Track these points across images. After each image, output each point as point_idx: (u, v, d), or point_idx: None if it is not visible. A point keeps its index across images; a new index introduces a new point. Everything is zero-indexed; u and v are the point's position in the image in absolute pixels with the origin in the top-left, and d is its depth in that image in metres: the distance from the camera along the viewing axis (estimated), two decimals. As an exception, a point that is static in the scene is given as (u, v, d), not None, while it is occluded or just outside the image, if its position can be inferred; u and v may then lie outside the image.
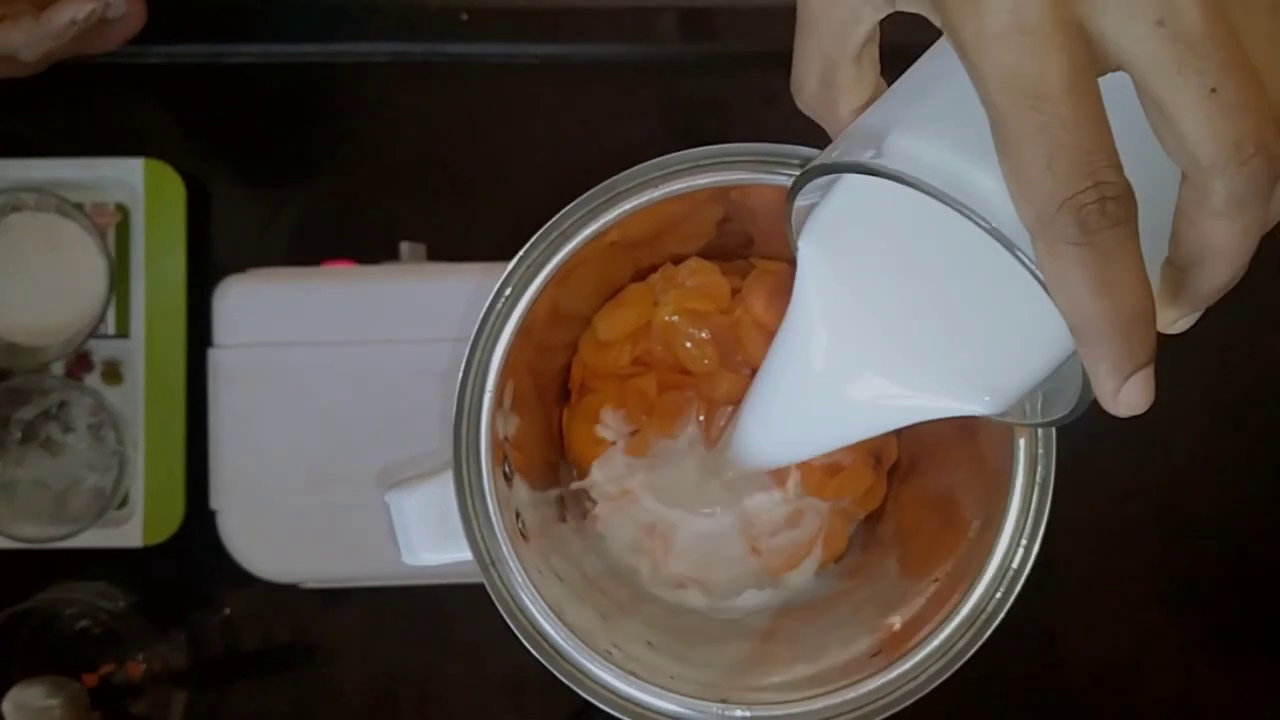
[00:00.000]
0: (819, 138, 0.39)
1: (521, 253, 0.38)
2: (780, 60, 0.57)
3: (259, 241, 0.56)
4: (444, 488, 0.37)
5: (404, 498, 0.39)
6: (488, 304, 0.38)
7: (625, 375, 0.45)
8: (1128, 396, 0.26)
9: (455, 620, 0.55)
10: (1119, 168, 0.23)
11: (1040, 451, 0.36)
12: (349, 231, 0.56)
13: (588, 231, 0.38)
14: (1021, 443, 0.36)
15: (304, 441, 0.50)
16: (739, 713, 0.36)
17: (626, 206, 0.38)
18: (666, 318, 0.43)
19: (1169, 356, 0.56)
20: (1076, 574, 0.55)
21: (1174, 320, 0.29)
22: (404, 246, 0.54)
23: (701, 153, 0.38)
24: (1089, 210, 0.23)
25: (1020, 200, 0.24)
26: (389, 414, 0.49)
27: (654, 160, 0.38)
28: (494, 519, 0.37)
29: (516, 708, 0.55)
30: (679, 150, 0.38)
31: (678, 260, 0.45)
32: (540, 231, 0.38)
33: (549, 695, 0.55)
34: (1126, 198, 0.23)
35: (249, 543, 0.50)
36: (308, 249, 0.55)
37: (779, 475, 0.44)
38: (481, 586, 0.37)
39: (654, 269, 0.45)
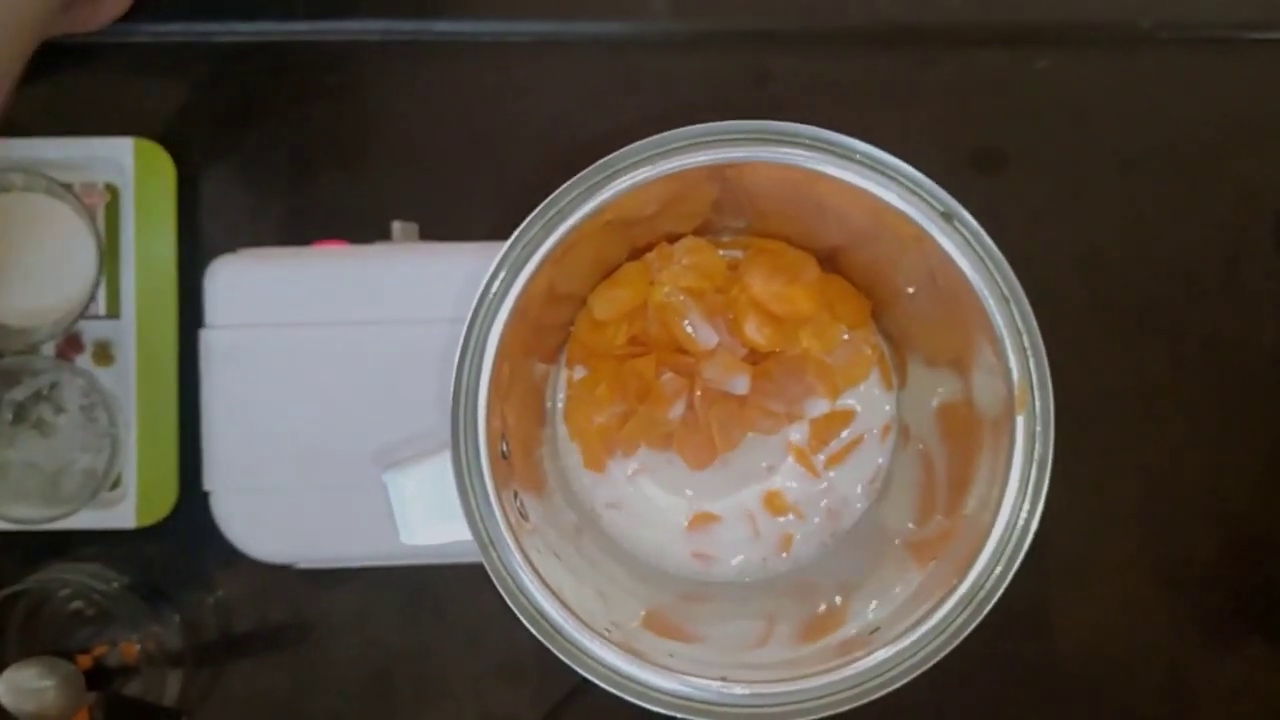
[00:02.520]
0: (813, 117, 0.39)
1: (517, 232, 0.38)
2: (774, 38, 0.57)
3: (250, 221, 0.56)
4: (442, 467, 0.37)
5: (402, 478, 0.39)
6: (484, 284, 0.38)
7: (622, 356, 0.44)
8: None
9: (450, 600, 0.55)
10: None
11: (1039, 429, 0.36)
12: (340, 211, 0.56)
13: (584, 210, 0.38)
14: (1020, 420, 0.36)
15: (298, 422, 0.49)
16: (739, 690, 0.36)
17: (623, 184, 0.37)
18: (663, 297, 0.43)
19: (1164, 336, 0.56)
20: (1068, 553, 0.56)
21: None
22: (396, 226, 0.54)
23: (699, 130, 0.38)
24: None
25: None
26: (383, 394, 0.49)
27: (651, 138, 0.38)
28: (492, 498, 0.37)
29: (512, 687, 0.55)
30: (672, 128, 0.38)
31: (674, 239, 0.45)
32: (536, 211, 0.38)
33: (545, 674, 0.55)
34: None
35: (243, 524, 0.50)
36: (299, 229, 0.55)
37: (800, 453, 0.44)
38: (476, 566, 0.37)
39: (650, 248, 0.45)
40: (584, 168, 0.38)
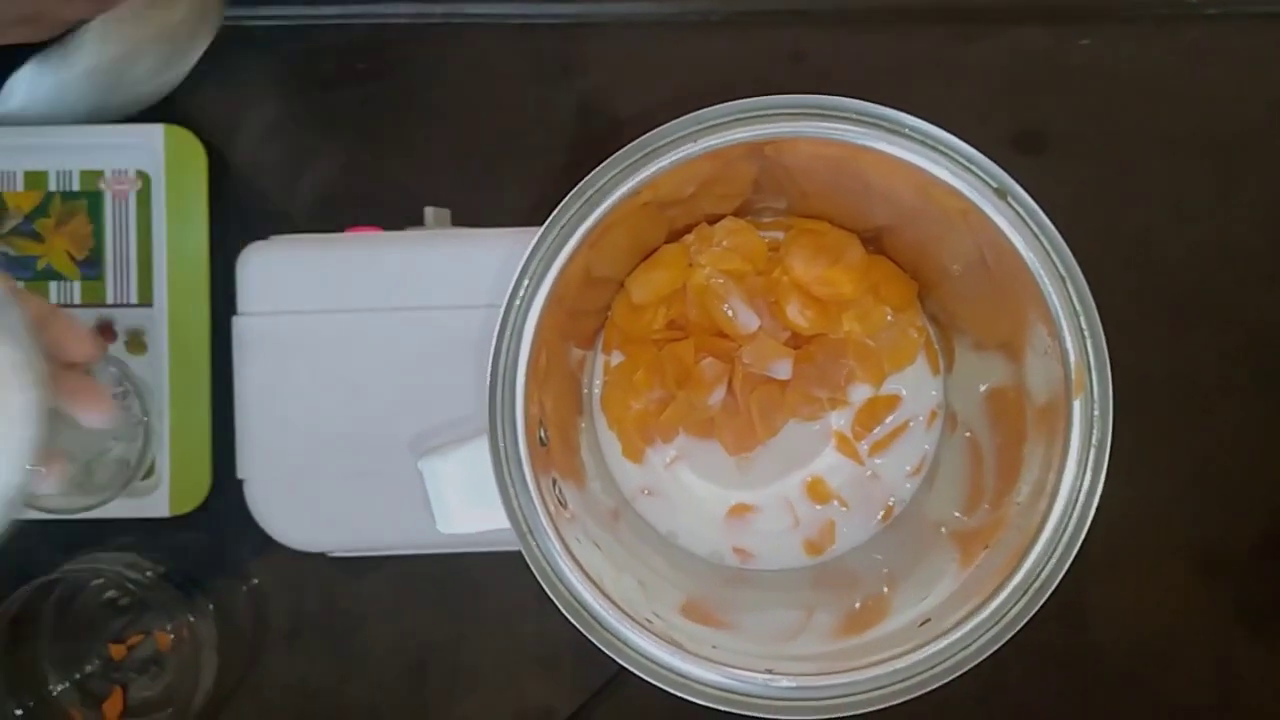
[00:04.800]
0: (849, 96, 0.38)
1: (555, 213, 0.37)
2: (810, 16, 0.56)
3: (282, 207, 0.55)
4: (479, 454, 0.37)
5: (438, 464, 0.38)
6: (520, 267, 0.37)
7: (660, 340, 0.44)
8: None
9: (485, 588, 0.55)
10: None
11: (1096, 413, 0.35)
12: (372, 196, 0.55)
13: (623, 190, 0.37)
14: (1077, 404, 0.35)
15: (332, 409, 0.49)
16: (784, 683, 0.35)
17: (663, 162, 0.37)
18: (702, 279, 0.42)
19: (1211, 322, 0.55)
20: (1110, 541, 0.54)
21: None
22: (429, 212, 0.53)
23: (741, 105, 0.37)
24: None
25: None
26: (417, 381, 0.49)
27: (691, 114, 0.37)
28: (531, 486, 0.36)
29: (548, 677, 0.55)
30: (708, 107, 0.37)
31: (713, 220, 0.44)
32: (573, 192, 0.37)
33: (581, 663, 0.54)
34: None
35: (277, 511, 0.49)
36: (331, 215, 0.54)
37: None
38: (511, 554, 0.37)
39: (688, 229, 0.44)
40: (624, 146, 0.37)
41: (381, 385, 0.49)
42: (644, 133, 0.38)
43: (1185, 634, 0.55)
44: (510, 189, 0.55)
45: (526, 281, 0.37)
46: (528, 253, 0.37)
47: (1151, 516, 0.55)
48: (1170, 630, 0.55)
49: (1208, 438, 0.55)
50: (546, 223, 0.37)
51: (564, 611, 0.36)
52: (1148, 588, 0.55)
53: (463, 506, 0.38)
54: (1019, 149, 0.56)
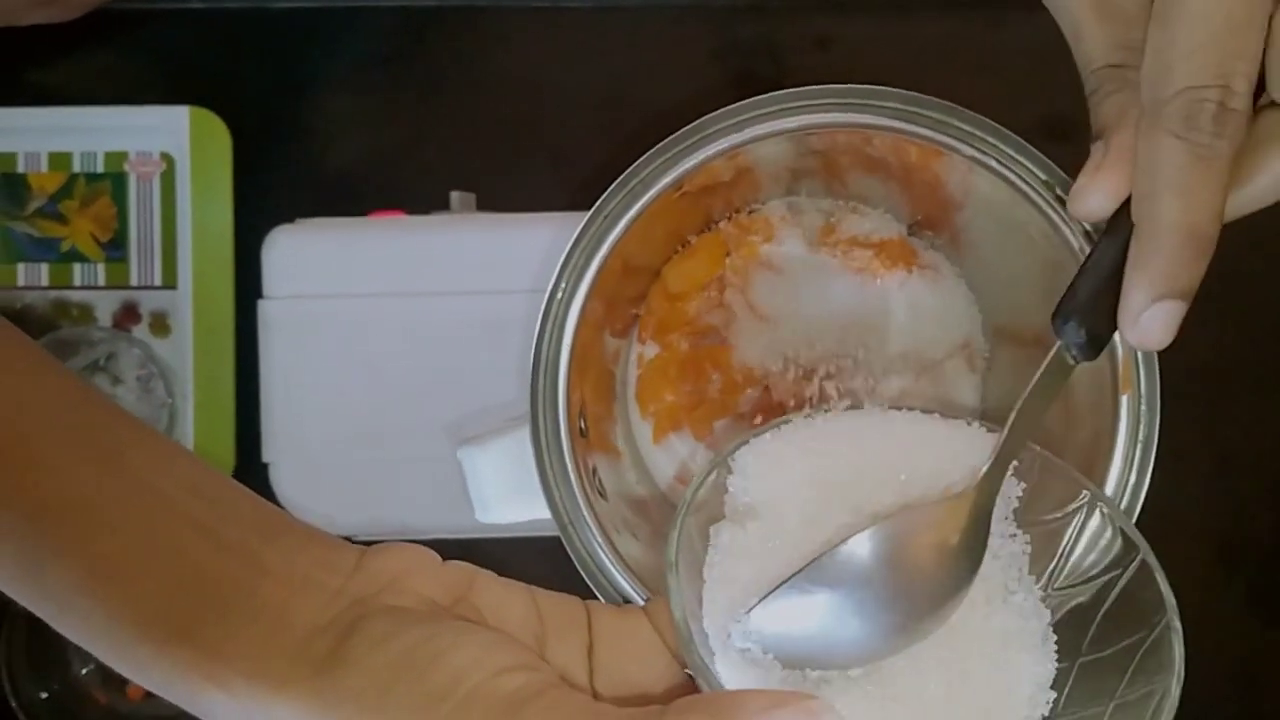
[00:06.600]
0: (876, 82, 0.37)
1: (598, 204, 0.37)
2: (834, 4, 0.56)
3: (306, 191, 0.55)
4: (519, 445, 0.36)
5: (477, 454, 0.38)
6: (563, 258, 0.37)
7: (696, 333, 0.43)
8: (1149, 322, 0.26)
9: (512, 574, 0.54)
10: (1250, 83, 0.24)
11: (1144, 409, 0.35)
12: (397, 180, 0.55)
13: (665, 181, 0.37)
14: (1124, 400, 0.35)
15: (357, 394, 0.49)
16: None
17: (708, 152, 0.36)
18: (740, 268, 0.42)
19: (1238, 311, 0.55)
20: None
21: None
22: (454, 196, 0.53)
23: (784, 95, 0.37)
24: (1204, 108, 0.24)
25: (1147, 76, 0.26)
26: (442, 367, 0.49)
27: (734, 105, 0.37)
28: (572, 478, 0.36)
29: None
30: (731, 96, 0.37)
31: (750, 208, 0.43)
32: (616, 182, 0.37)
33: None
34: (1241, 115, 0.24)
35: (303, 495, 0.49)
36: (356, 199, 0.54)
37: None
38: (537, 539, 0.37)
39: (725, 216, 0.44)
40: (643, 137, 0.37)
41: (407, 370, 0.49)
42: (668, 121, 0.37)
43: (1204, 624, 0.55)
44: (536, 173, 0.55)
45: (569, 271, 0.36)
46: (570, 243, 0.36)
47: (1174, 506, 0.55)
48: (1189, 620, 0.55)
49: (1233, 429, 0.55)
50: (589, 213, 0.37)
51: (605, 602, 0.36)
52: (1169, 575, 0.55)
53: (502, 497, 0.38)
54: (1048, 135, 0.55)
